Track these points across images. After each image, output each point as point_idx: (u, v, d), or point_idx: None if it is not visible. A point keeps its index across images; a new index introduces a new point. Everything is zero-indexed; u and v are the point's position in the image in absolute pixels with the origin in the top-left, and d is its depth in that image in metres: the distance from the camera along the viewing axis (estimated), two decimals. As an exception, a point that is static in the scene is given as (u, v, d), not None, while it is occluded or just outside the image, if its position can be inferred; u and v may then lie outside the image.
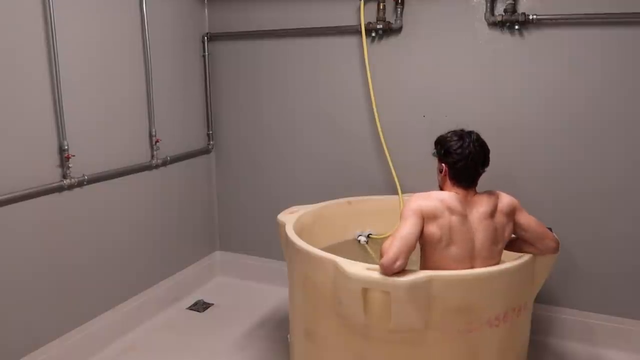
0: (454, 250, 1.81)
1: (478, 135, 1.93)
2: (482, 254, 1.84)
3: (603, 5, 2.34)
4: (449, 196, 1.86)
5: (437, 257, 1.84)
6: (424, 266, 1.89)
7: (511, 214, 1.90)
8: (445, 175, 1.92)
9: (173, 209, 3.10)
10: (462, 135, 1.91)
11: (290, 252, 2.12)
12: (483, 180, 1.93)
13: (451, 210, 1.82)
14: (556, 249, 1.90)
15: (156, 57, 2.83)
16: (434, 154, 1.99)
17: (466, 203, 1.86)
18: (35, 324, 2.29)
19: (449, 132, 1.96)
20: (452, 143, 1.90)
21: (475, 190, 1.91)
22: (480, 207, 1.86)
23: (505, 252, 1.96)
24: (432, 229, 1.80)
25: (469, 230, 1.83)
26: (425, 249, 1.88)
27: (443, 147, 1.93)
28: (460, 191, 1.88)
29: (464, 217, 1.83)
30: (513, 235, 1.95)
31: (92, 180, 2.47)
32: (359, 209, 2.68)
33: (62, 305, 2.41)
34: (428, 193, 1.88)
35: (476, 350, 1.81)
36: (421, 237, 1.80)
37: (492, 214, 1.87)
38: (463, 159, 1.87)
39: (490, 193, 1.91)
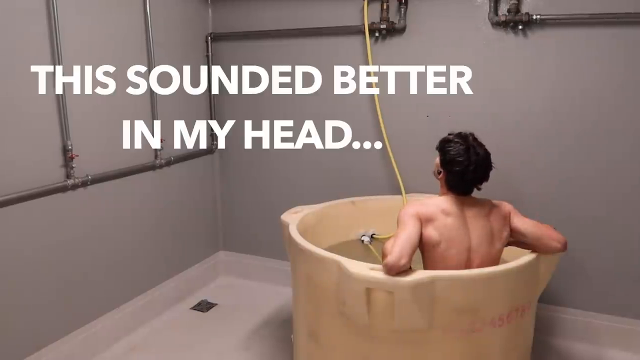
0: (453, 252, 1.83)
1: (485, 151, 1.89)
2: (479, 253, 1.86)
3: (607, 5, 2.33)
4: (443, 200, 1.91)
5: (437, 260, 1.85)
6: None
7: (506, 217, 1.92)
8: (442, 179, 1.95)
9: (176, 209, 3.10)
10: (469, 145, 1.86)
11: (293, 252, 2.12)
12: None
13: (446, 213, 1.86)
14: (560, 249, 1.87)
15: (160, 56, 2.83)
16: (437, 148, 1.97)
17: (461, 204, 1.89)
18: (39, 324, 2.29)
19: (455, 136, 1.92)
20: (456, 152, 1.86)
21: (469, 196, 1.94)
22: (475, 207, 1.90)
23: (507, 252, 1.96)
24: (430, 232, 1.83)
25: (465, 231, 1.85)
26: (425, 254, 1.90)
27: (445, 152, 1.90)
28: (455, 196, 1.91)
29: (459, 217, 1.86)
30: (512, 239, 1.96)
31: (96, 180, 2.48)
32: (362, 208, 2.68)
33: (66, 305, 2.42)
34: (420, 200, 1.93)
35: (480, 350, 1.80)
36: (420, 242, 1.82)
37: (487, 214, 1.90)
38: (460, 174, 1.85)
39: (483, 199, 1.95)
